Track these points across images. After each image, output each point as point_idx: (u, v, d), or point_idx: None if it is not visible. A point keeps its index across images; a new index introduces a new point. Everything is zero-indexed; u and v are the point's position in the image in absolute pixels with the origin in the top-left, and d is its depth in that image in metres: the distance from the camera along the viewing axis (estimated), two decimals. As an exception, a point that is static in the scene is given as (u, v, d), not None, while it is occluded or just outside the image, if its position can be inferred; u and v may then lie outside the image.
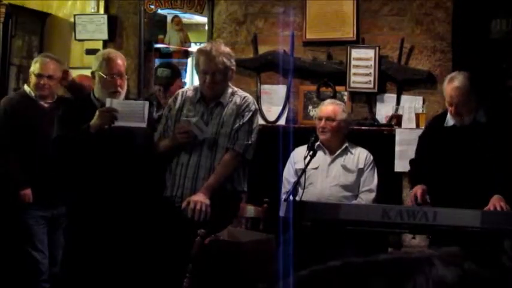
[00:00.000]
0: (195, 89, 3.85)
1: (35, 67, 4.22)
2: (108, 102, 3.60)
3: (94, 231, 3.64)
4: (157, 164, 3.79)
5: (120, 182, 3.62)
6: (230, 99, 3.76)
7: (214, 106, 3.75)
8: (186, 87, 4.02)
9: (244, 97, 3.80)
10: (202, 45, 3.94)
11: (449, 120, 3.71)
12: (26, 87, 4.29)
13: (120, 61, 3.73)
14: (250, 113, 3.76)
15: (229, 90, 3.79)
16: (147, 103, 3.73)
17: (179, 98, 3.85)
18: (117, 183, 3.62)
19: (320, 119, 4.23)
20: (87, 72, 4.60)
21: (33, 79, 4.21)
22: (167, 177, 3.75)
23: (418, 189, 3.59)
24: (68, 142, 3.66)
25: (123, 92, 3.73)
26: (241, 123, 3.71)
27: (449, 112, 3.72)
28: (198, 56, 3.78)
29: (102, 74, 3.68)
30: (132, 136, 3.69)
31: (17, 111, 4.18)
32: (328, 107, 4.25)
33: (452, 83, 3.65)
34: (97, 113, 3.58)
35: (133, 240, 3.67)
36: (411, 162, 3.93)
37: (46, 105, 4.22)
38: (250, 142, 3.71)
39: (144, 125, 3.67)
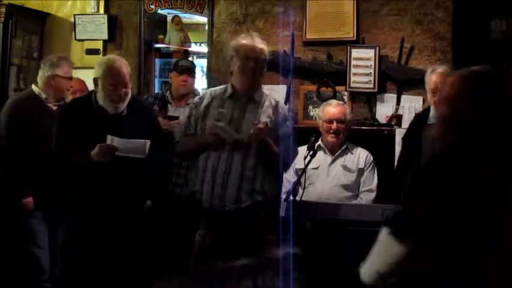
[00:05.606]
0: (224, 87, 3.67)
1: (61, 70, 4.15)
2: (108, 139, 3.55)
3: (94, 232, 3.64)
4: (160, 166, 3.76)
5: (119, 184, 3.62)
6: (263, 99, 3.62)
7: (246, 102, 3.59)
8: (213, 88, 3.80)
9: (277, 101, 3.69)
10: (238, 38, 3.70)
11: (432, 118, 3.68)
12: (34, 87, 4.19)
13: (125, 69, 3.66)
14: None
15: (262, 90, 3.67)
16: (148, 142, 3.60)
17: (207, 96, 3.67)
18: (116, 185, 3.62)
19: (330, 121, 4.17)
20: (87, 72, 4.60)
21: (59, 81, 4.13)
22: (191, 173, 3.65)
23: None
24: (69, 163, 3.66)
25: (127, 99, 3.69)
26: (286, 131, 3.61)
27: (432, 104, 3.69)
28: (238, 44, 3.56)
29: (105, 84, 3.62)
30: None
31: (25, 112, 4.11)
32: (337, 109, 4.20)
33: (436, 71, 3.71)
34: (97, 148, 3.53)
35: (134, 240, 3.67)
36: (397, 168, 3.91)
37: (54, 107, 4.14)
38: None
39: (144, 156, 3.60)
